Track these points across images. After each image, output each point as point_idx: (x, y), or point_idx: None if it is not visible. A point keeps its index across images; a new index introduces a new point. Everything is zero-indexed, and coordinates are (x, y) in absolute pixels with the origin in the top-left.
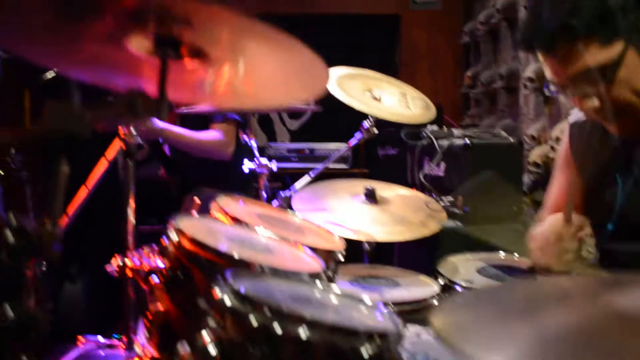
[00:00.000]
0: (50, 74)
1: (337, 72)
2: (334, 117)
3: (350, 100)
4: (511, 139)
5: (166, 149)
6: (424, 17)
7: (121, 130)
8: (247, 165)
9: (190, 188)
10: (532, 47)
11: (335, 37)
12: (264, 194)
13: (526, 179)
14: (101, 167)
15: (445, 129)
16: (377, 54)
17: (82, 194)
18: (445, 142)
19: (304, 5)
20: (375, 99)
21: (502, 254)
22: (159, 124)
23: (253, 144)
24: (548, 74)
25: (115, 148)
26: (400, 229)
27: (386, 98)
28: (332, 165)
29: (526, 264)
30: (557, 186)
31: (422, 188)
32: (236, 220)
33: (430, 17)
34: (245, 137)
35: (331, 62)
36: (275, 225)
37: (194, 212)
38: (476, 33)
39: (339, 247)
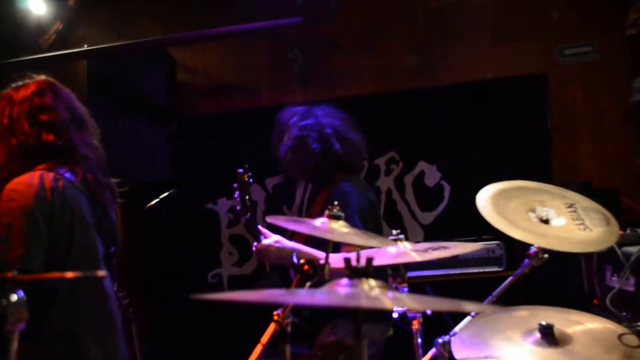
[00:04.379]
0: (153, 203)
1: (489, 192)
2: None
3: (513, 230)
4: None
5: (292, 273)
6: (578, 71)
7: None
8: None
9: (322, 318)
10: None
11: (465, 109)
12: (419, 340)
13: None
14: (256, 352)
15: (629, 231)
16: (521, 125)
17: None
18: (633, 250)
19: (423, 79)
20: (543, 220)
21: None
22: (288, 243)
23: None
24: None
25: (269, 332)
26: None
27: (553, 216)
28: (482, 269)
29: None
30: None
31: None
32: None
33: (585, 71)
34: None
35: (466, 141)
36: None
37: None
38: None
39: None
